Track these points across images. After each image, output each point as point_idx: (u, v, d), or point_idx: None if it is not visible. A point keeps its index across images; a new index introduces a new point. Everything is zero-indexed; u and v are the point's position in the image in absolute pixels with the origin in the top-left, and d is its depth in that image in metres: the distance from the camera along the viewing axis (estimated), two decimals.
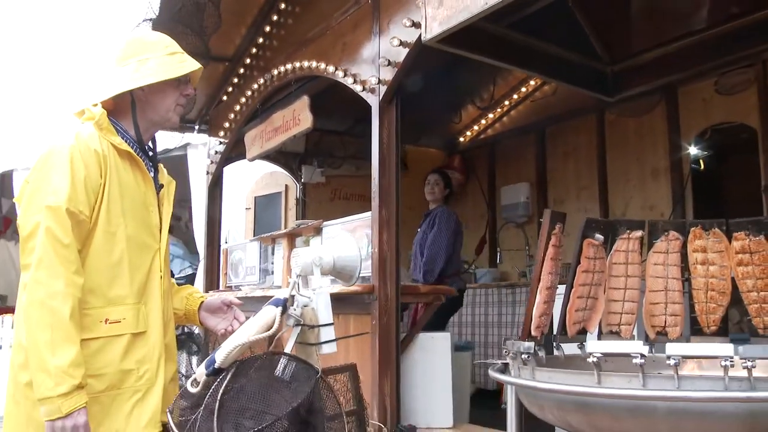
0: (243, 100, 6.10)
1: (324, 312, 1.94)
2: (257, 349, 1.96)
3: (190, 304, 2.53)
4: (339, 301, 4.36)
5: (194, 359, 5.02)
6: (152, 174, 2.40)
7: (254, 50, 6.11)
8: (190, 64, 2.35)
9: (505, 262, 7.71)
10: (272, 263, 5.69)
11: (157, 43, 2.39)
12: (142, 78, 2.28)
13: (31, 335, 1.94)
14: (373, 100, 4.26)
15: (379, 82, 4.20)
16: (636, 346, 2.32)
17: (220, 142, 6.60)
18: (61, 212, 2.03)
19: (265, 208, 7.88)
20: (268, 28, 5.91)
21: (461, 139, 8.43)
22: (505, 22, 3.97)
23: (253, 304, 5.49)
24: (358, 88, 4.39)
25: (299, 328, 1.93)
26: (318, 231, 4.90)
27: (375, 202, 4.14)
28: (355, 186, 7.68)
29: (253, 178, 8.08)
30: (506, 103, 7.75)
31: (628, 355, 2.35)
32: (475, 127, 8.23)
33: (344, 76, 4.55)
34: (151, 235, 2.30)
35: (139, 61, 2.30)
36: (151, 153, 2.46)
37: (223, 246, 6.88)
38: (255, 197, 7.99)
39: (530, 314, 3.13)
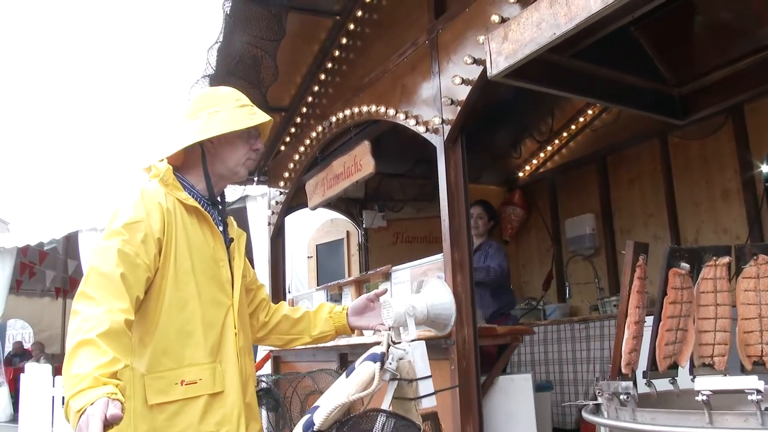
0: (302, 149, 6.11)
1: (421, 364, 1.85)
2: (353, 408, 1.88)
3: (338, 321, 2.55)
4: None
5: (272, 415, 4.96)
6: (221, 228, 2.37)
7: (310, 99, 6.15)
8: (260, 116, 2.34)
9: (574, 296, 7.50)
10: None
11: (228, 96, 2.38)
12: (211, 129, 2.27)
13: (64, 365, 1.76)
14: (438, 141, 4.20)
15: (443, 122, 4.14)
16: (751, 382, 2.18)
17: (281, 192, 6.61)
18: (112, 250, 1.97)
19: (327, 255, 7.87)
20: (323, 76, 5.94)
21: (521, 174, 8.32)
22: (569, 52, 3.89)
23: (324, 354, 5.45)
24: (421, 129, 4.34)
25: (396, 382, 1.84)
26: (386, 276, 4.82)
27: (446, 244, 4.05)
28: (417, 229, 7.63)
29: (313, 226, 8.09)
30: (564, 134, 7.63)
31: (740, 392, 2.21)
32: (534, 161, 8.11)
33: (406, 119, 4.50)
34: (223, 291, 2.25)
35: (210, 114, 2.30)
36: (220, 207, 2.44)
37: (288, 296, 6.85)
38: (317, 245, 7.99)
39: (619, 350, 3.00)
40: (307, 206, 6.34)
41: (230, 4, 4.75)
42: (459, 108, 4.03)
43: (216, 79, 5.13)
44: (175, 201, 2.23)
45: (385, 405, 1.82)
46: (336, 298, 5.70)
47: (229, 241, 2.38)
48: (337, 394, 1.76)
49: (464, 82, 3.96)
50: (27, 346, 13.95)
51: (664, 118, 4.96)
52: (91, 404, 1.61)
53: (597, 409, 2.93)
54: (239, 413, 2.14)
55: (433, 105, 4.29)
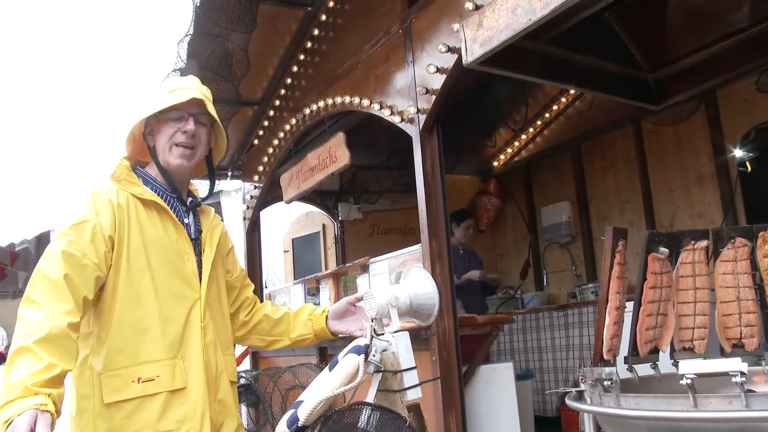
0: (276, 142, 6.05)
1: (405, 356, 1.82)
2: (336, 403, 1.84)
3: (317, 324, 2.47)
4: None
5: (253, 411, 4.90)
6: (186, 220, 2.31)
7: (283, 91, 6.08)
8: (177, 96, 2.23)
9: (552, 284, 7.51)
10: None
11: (169, 85, 2.33)
12: (136, 118, 2.26)
13: (3, 373, 1.75)
14: (413, 131, 4.16)
15: (418, 111, 4.10)
16: (734, 364, 2.17)
17: (255, 187, 6.54)
18: (57, 253, 1.96)
19: (303, 249, 7.81)
20: (296, 68, 5.88)
21: (495, 163, 8.32)
22: (544, 38, 3.87)
23: (303, 348, 5.39)
24: (396, 119, 4.29)
25: (380, 374, 1.81)
26: (364, 268, 4.78)
27: (424, 234, 4.01)
28: (393, 220, 7.61)
29: (289, 220, 8.02)
30: (539, 122, 7.64)
31: (724, 374, 2.21)
32: (509, 150, 8.11)
33: (380, 109, 4.46)
34: (188, 284, 2.20)
35: (147, 106, 2.26)
36: (191, 199, 2.39)
37: (264, 291, 6.79)
38: (293, 239, 7.93)
39: (600, 336, 2.99)
40: (282, 200, 6.28)
41: None
42: (434, 97, 3.99)
43: (187, 73, 5.04)
44: (129, 197, 2.19)
45: (370, 398, 1.78)
46: (313, 292, 5.65)
47: (196, 233, 2.33)
48: (321, 389, 1.72)
49: (439, 70, 3.92)
50: (1, 348, 13.72)
51: (639, 104, 4.96)
52: (18, 415, 1.60)
53: (580, 396, 2.92)
54: (203, 410, 2.08)
55: (407, 94, 4.24)
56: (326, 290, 5.31)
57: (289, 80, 5.98)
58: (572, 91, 7.25)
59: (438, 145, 4.10)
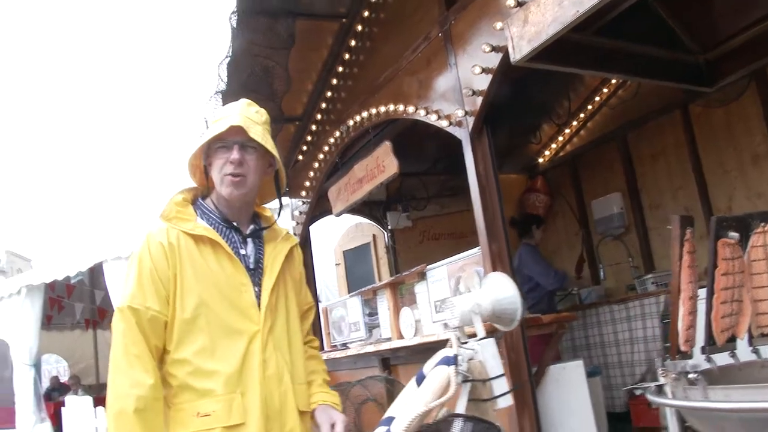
0: (320, 156, 6.05)
1: (493, 363, 1.78)
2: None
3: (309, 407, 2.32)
4: None
5: None
6: (244, 251, 2.27)
7: (324, 105, 6.09)
8: (220, 125, 2.21)
9: (608, 277, 7.38)
10: (377, 316, 5.55)
11: (216, 114, 2.33)
12: (190, 151, 2.29)
13: None
14: (462, 134, 4.12)
15: (466, 114, 4.06)
16: None
17: (303, 202, 6.55)
18: (124, 312, 2.08)
19: (355, 261, 7.79)
20: (335, 81, 5.88)
21: (541, 160, 8.20)
22: (590, 29, 3.80)
23: (365, 360, 5.38)
24: (443, 123, 4.26)
25: (469, 384, 1.77)
26: (422, 276, 4.73)
27: (483, 238, 3.96)
28: (443, 225, 7.56)
29: (338, 233, 8.02)
30: (581, 115, 7.53)
31: None
32: (553, 146, 7.99)
33: (426, 114, 4.43)
34: (245, 317, 2.17)
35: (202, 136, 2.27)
36: (253, 227, 2.36)
37: (320, 306, 6.78)
38: (343, 251, 7.92)
39: (676, 328, 2.91)
40: (330, 213, 6.28)
41: (236, 16, 4.69)
42: (481, 98, 3.95)
43: (229, 95, 5.08)
44: (180, 234, 2.19)
45: (460, 408, 1.74)
46: (371, 303, 5.62)
47: (256, 262, 2.28)
48: (414, 403, 1.68)
49: (484, 71, 3.88)
50: (63, 379, 13.96)
51: (691, 87, 4.85)
52: None
53: (660, 390, 2.84)
54: None
55: (453, 97, 4.21)
56: (384, 300, 5.28)
57: (329, 93, 5.99)
58: (614, 81, 7.13)
59: (489, 145, 4.06)
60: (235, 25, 4.70)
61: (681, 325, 2.90)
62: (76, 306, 12.75)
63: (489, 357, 1.77)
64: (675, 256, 2.90)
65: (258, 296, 2.22)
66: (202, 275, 2.15)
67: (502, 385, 1.76)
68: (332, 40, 5.74)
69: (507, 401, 1.76)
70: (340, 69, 5.78)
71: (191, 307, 2.12)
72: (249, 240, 2.32)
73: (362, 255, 7.76)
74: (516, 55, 3.26)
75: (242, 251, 2.27)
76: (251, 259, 2.28)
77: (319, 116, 6.16)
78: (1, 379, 10.29)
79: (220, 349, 2.11)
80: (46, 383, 13.64)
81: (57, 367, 16.86)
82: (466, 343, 1.79)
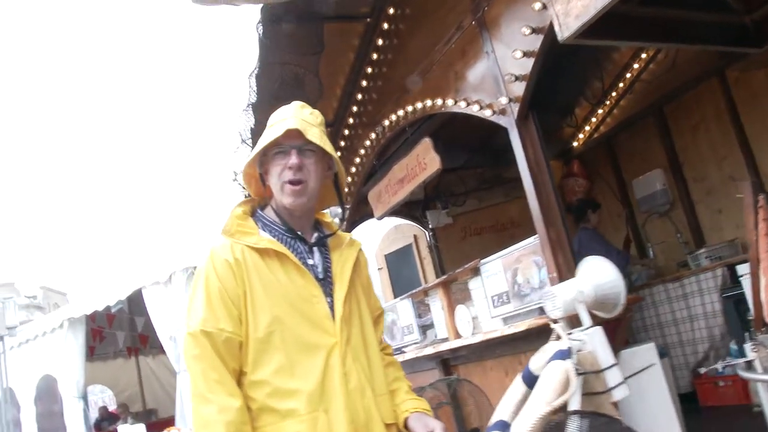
0: (357, 160, 5.96)
1: (603, 353, 1.66)
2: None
3: (398, 417, 2.20)
4: (521, 338, 4.08)
5: None
6: (312, 261, 2.16)
7: (355, 108, 5.99)
8: (275, 130, 2.11)
9: (657, 255, 7.20)
10: (429, 317, 5.44)
11: (271, 118, 2.22)
12: (245, 160, 2.18)
13: None
14: (508, 121, 4.00)
15: (510, 100, 3.94)
16: None
17: (342, 208, 6.46)
18: (197, 337, 1.98)
19: (397, 263, 7.68)
20: (364, 83, 5.79)
21: (575, 144, 8.05)
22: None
23: (423, 363, 5.27)
24: (487, 113, 4.14)
25: (581, 377, 1.65)
26: (475, 271, 4.62)
27: (539, 225, 3.83)
28: (484, 218, 7.44)
29: (378, 237, 7.92)
30: (613, 93, 7.37)
31: None
32: (587, 128, 7.84)
33: (468, 106, 4.31)
34: (321, 330, 2.05)
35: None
36: (316, 234, 2.26)
37: None
38: (385, 255, 7.81)
39: (758, 299, 2.77)
40: (370, 217, 6.19)
41: (262, 26, 4.61)
42: (524, 83, 3.84)
43: (261, 105, 5.01)
44: (244, 249, 2.08)
45: (575, 404, 1.62)
46: (423, 305, 5.52)
47: (324, 271, 2.17)
48: (534, 404, 1.56)
49: (525, 54, 3.77)
50: (111, 409, 14.01)
51: (741, 50, 4.68)
52: None
53: (749, 366, 2.71)
54: None
55: (493, 86, 4.10)
56: (436, 301, 5.16)
57: (359, 96, 5.89)
58: (644, 55, 6.97)
59: (537, 130, 3.94)
60: (261, 34, 4.63)
61: (764, 296, 2.77)
62: (117, 335, 12.79)
63: (599, 347, 1.65)
64: (750, 224, 2.77)
65: (331, 307, 2.11)
66: (272, 290, 2.05)
67: (615, 376, 1.64)
68: (358, 41, 5.65)
69: (623, 392, 1.64)
70: (369, 70, 5.68)
71: (264, 324, 2.01)
72: (315, 249, 2.21)
73: (405, 257, 7.65)
74: (564, 33, 3.14)
75: (309, 261, 2.16)
76: (319, 269, 2.17)
77: (351, 120, 6.07)
78: (51, 413, 10.35)
79: (298, 367, 2.00)
80: (94, 413, 13.71)
81: (102, 396, 16.96)
82: (570, 334, 1.67)
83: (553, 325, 1.69)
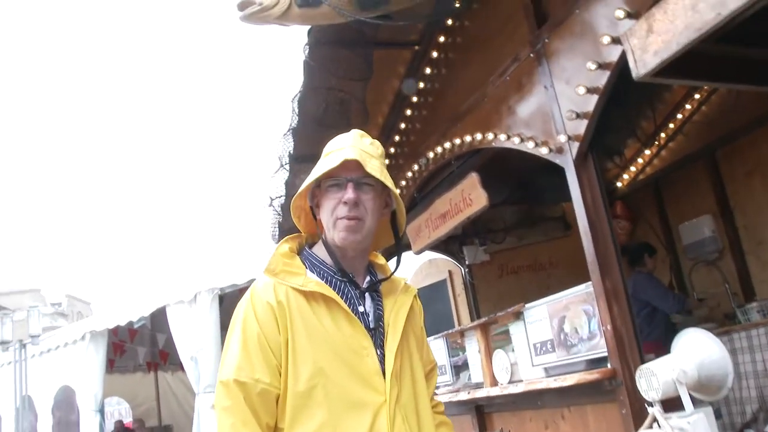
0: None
1: None
2: None
3: None
4: (566, 391, 3.83)
5: None
6: (362, 308, 1.95)
7: (397, 138, 5.81)
8: (331, 160, 1.91)
9: (703, 307, 6.87)
10: (465, 359, 5.20)
11: (328, 146, 2.01)
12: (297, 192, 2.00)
13: None
14: (565, 160, 3.78)
15: (569, 138, 3.72)
16: None
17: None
18: (230, 386, 1.79)
19: (431, 298, 7.41)
20: (408, 112, 5.60)
21: (619, 184, 7.78)
22: (714, 36, 3.43)
23: (456, 407, 5.01)
24: (543, 151, 3.92)
25: None
26: (518, 316, 4.37)
27: (595, 274, 3.60)
28: (522, 257, 7.17)
29: (411, 270, 7.70)
30: (662, 135, 7.11)
31: None
32: (632, 168, 7.58)
33: (521, 142, 4.09)
34: (369, 386, 1.84)
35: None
36: (369, 279, 2.04)
37: None
38: (418, 289, 7.57)
39: None
40: (408, 250, 5.96)
41: (309, 48, 4.45)
42: (586, 121, 3.62)
43: (302, 129, 4.84)
44: (289, 290, 1.87)
45: None
46: (457, 346, 5.28)
47: (376, 320, 1.96)
48: None
49: (589, 90, 3.55)
50: (126, 422, 13.93)
51: None
52: None
53: None
54: None
55: (550, 122, 3.88)
56: (473, 342, 4.91)
57: (402, 125, 5.71)
58: (697, 96, 6.72)
59: (596, 172, 3.72)
60: (307, 56, 4.46)
61: None
62: (138, 350, 12.76)
63: None
64: None
65: (381, 360, 1.90)
66: (317, 338, 1.84)
67: None
68: (404, 69, 5.47)
69: None
70: (415, 99, 5.49)
71: (306, 376, 1.80)
72: (366, 294, 2.00)
73: (438, 292, 7.40)
74: (640, 70, 2.92)
75: (360, 308, 1.95)
76: (371, 317, 1.96)
77: (392, 150, 5.87)
78: (68, 423, 10.36)
79: (342, 426, 1.78)
80: (109, 425, 13.61)
81: (119, 408, 16.87)
82: (670, 418, 1.44)
83: (650, 410, 1.46)
